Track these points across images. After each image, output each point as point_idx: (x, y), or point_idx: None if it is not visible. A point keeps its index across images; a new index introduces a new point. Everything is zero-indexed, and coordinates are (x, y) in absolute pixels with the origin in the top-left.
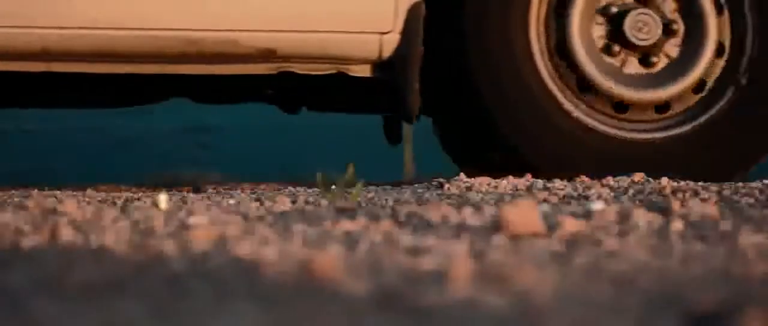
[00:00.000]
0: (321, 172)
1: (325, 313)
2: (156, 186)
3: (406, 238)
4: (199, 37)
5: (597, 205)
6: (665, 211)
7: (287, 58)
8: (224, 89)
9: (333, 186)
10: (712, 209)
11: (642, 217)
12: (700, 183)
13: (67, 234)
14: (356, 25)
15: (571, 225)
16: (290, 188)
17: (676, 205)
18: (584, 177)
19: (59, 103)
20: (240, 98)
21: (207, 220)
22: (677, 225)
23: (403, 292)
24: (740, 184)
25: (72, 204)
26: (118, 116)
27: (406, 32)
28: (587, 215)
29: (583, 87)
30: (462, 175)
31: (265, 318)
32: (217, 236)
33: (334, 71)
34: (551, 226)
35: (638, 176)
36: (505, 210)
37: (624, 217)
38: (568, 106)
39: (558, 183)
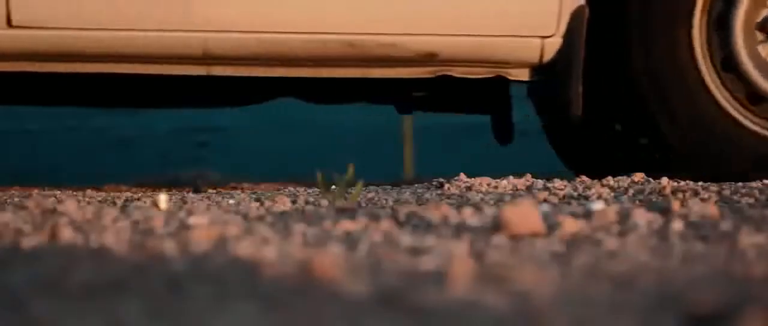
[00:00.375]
0: (321, 172)
1: (325, 313)
2: (156, 186)
3: (406, 238)
4: (358, 39)
5: (597, 205)
6: (665, 211)
7: (447, 61)
8: (339, 90)
9: (333, 186)
10: (712, 209)
11: (642, 217)
12: (700, 183)
13: (67, 234)
14: (519, 28)
15: (571, 225)
16: (290, 188)
17: (676, 205)
18: (584, 177)
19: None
20: (354, 99)
21: (207, 220)
22: (677, 225)
23: (403, 292)
24: (740, 184)
25: (72, 204)
26: (118, 116)
27: (569, 36)
28: (587, 215)
29: (754, 97)
30: (462, 175)
31: (265, 318)
32: (217, 236)
33: (492, 75)
34: (551, 226)
35: (638, 176)
36: (505, 210)
37: (624, 217)
38: (730, 109)
39: (558, 183)
